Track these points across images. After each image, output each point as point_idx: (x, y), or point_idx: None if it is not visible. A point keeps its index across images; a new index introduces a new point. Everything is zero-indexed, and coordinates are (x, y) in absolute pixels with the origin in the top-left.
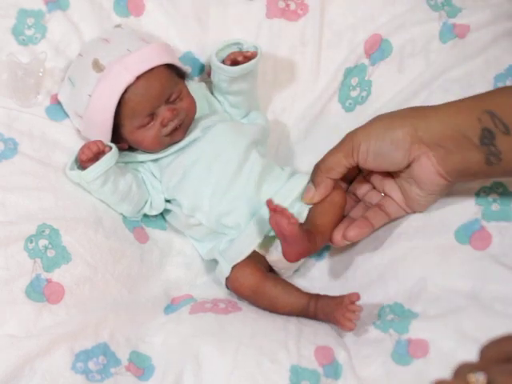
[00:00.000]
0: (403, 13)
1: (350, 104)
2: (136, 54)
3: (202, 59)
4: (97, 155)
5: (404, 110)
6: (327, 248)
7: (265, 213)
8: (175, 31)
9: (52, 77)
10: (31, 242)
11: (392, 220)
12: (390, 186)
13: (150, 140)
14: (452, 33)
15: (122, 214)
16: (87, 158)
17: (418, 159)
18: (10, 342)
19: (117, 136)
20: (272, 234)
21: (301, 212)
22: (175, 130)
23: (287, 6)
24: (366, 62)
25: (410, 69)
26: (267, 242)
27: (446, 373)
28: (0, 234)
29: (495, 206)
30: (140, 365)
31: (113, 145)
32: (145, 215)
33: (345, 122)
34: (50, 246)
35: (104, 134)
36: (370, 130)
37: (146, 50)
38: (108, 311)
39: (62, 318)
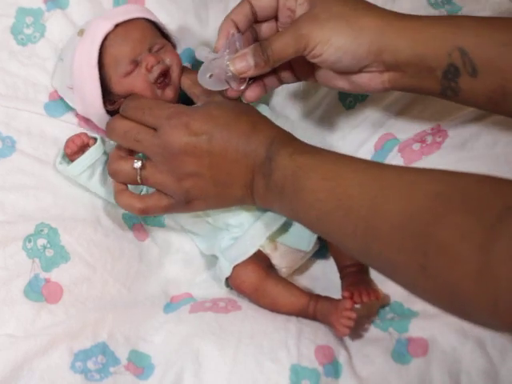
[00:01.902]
0: (403, 10)
1: (351, 102)
2: (116, 8)
3: None
4: (82, 148)
5: (370, 17)
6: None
7: (269, 213)
8: (175, 28)
9: (51, 75)
10: (30, 242)
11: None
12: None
13: (140, 86)
14: None
15: (121, 212)
16: (72, 151)
17: (371, 73)
18: (9, 342)
19: (109, 97)
20: (274, 233)
21: None
22: (164, 84)
23: None
24: None
25: None
26: (270, 241)
27: (446, 372)
28: None
29: None
30: (139, 364)
31: (98, 136)
32: None
33: (346, 120)
34: (48, 246)
35: (94, 91)
36: (331, 37)
37: (129, 6)
38: (107, 310)
39: (61, 318)
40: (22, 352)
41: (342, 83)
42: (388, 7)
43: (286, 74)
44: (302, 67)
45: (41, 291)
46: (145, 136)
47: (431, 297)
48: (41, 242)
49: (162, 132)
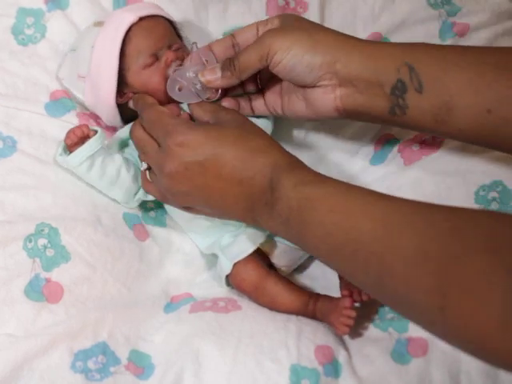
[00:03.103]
0: (403, 11)
1: None
2: (137, 4)
3: None
4: (82, 139)
5: (330, 34)
6: None
7: None
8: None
9: (51, 75)
10: (30, 242)
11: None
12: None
13: (157, 80)
14: (452, 31)
15: (122, 212)
16: (72, 142)
17: (324, 87)
18: (9, 342)
19: (122, 88)
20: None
21: None
22: None
23: (287, 3)
24: None
25: None
26: (269, 240)
27: (446, 372)
28: None
29: (494, 205)
30: (139, 364)
31: (99, 128)
32: (145, 211)
33: (345, 121)
34: (49, 246)
35: (110, 80)
36: (291, 45)
37: (147, 3)
38: (107, 310)
39: (61, 318)
40: (22, 352)
41: (301, 105)
42: (387, 8)
43: (259, 105)
44: (271, 95)
45: (41, 291)
46: (149, 150)
47: (450, 338)
48: (41, 241)
49: (161, 149)
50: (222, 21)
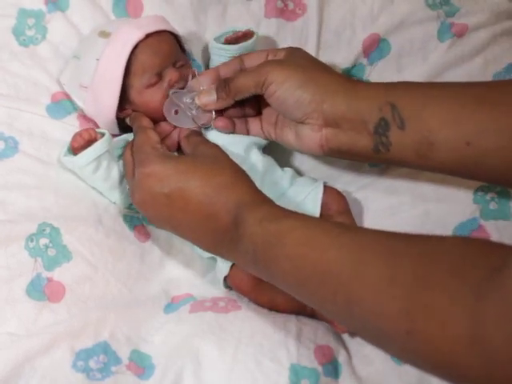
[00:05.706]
0: (402, 12)
1: None
2: (143, 18)
3: (201, 60)
4: (89, 142)
5: (321, 72)
6: None
7: None
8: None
9: (52, 77)
10: (32, 241)
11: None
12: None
13: (158, 100)
14: (450, 32)
15: (122, 213)
16: (79, 145)
17: (311, 125)
18: (11, 341)
19: (122, 104)
20: None
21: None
22: None
23: (285, 5)
24: (365, 61)
25: (409, 68)
26: None
27: None
28: (0, 233)
29: (493, 205)
30: (140, 364)
31: (106, 131)
32: None
33: None
34: (50, 245)
35: (113, 95)
36: (286, 79)
37: (154, 17)
38: (108, 310)
39: (63, 317)
40: (24, 351)
41: (291, 137)
42: (386, 9)
43: (255, 127)
44: (267, 122)
45: (43, 290)
46: (128, 174)
47: (420, 362)
48: (43, 241)
49: (134, 176)
50: (222, 23)
